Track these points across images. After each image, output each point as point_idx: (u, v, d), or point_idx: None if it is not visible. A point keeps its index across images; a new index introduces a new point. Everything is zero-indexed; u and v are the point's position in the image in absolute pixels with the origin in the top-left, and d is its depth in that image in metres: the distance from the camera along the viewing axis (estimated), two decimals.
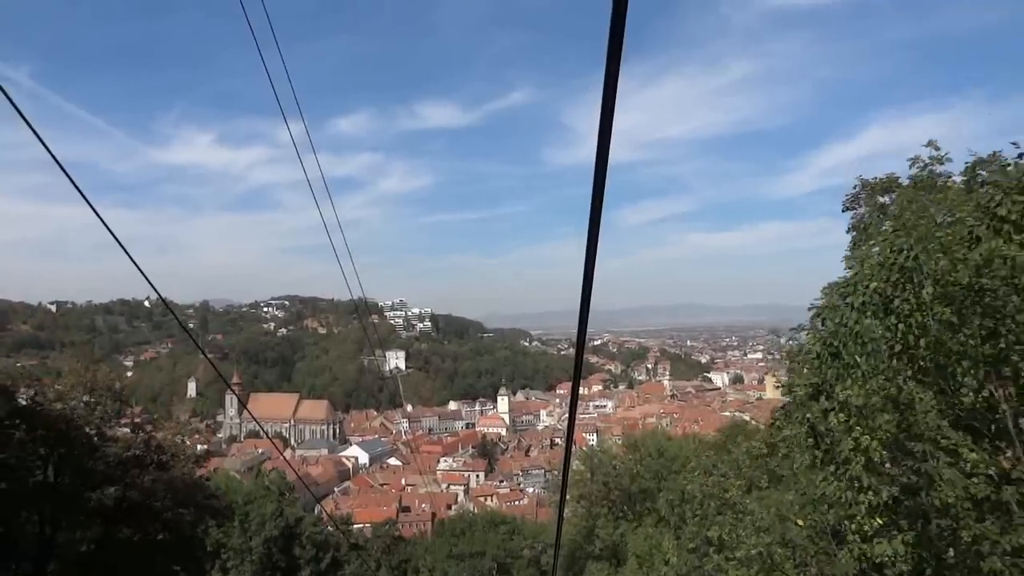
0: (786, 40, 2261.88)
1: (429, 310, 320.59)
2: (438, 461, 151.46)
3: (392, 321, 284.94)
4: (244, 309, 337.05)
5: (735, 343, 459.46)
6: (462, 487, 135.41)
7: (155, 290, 5.67)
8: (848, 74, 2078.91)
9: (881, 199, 26.96)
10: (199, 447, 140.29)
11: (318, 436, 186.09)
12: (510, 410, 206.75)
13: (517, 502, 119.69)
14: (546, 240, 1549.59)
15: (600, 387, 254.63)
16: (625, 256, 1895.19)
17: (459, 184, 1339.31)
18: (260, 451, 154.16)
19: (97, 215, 4.42)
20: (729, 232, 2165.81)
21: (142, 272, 4.92)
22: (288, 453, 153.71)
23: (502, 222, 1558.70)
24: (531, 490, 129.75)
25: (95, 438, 24.15)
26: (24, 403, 22.76)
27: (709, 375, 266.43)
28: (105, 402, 26.39)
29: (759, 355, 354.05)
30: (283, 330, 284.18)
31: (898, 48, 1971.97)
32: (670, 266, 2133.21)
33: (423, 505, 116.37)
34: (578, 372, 4.49)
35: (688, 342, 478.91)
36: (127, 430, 27.16)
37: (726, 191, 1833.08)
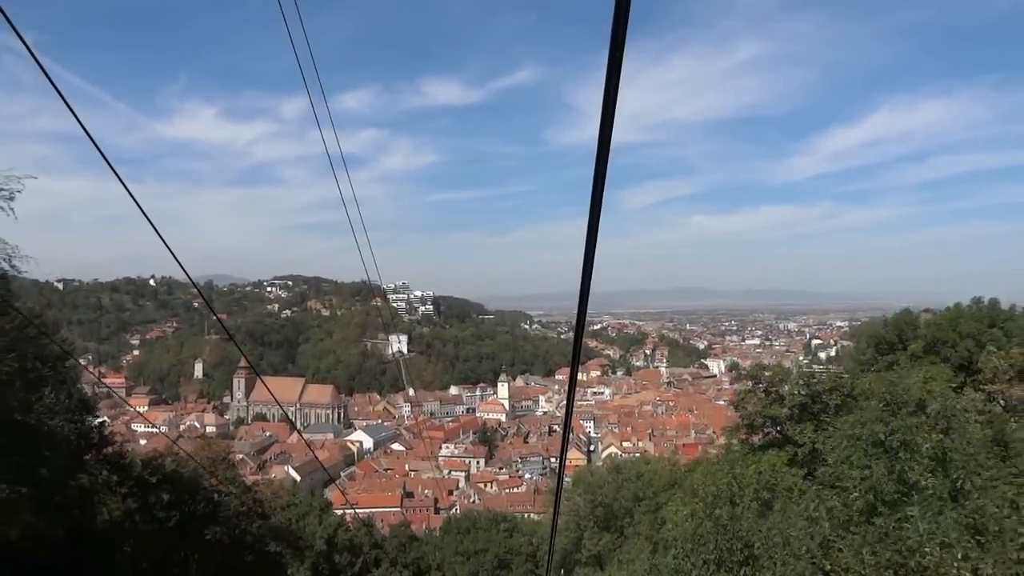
0: (794, 21, 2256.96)
1: (431, 293, 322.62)
2: (440, 447, 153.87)
3: (395, 304, 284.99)
4: (247, 288, 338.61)
5: (734, 327, 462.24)
6: (463, 473, 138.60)
7: (186, 273, 6.15)
8: (856, 57, 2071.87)
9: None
10: (208, 429, 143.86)
11: (323, 420, 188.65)
12: (510, 396, 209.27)
13: (516, 489, 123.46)
14: (549, 220, 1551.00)
15: (598, 372, 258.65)
16: (627, 238, 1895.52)
17: (463, 163, 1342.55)
18: (268, 434, 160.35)
19: (132, 197, 4.99)
20: (731, 215, 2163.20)
21: (172, 252, 5.63)
22: (294, 437, 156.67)
23: (505, 201, 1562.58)
24: (529, 476, 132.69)
25: (215, 495, 30.82)
26: (168, 470, 29.29)
27: (706, 362, 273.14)
28: (223, 469, 34.72)
29: (757, 340, 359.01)
30: (287, 312, 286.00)
31: (907, 32, 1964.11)
32: (671, 249, 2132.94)
33: (426, 491, 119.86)
34: (575, 365, 4.97)
35: (687, 325, 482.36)
36: (237, 490, 34.88)
37: (730, 173, 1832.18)
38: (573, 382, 5.47)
